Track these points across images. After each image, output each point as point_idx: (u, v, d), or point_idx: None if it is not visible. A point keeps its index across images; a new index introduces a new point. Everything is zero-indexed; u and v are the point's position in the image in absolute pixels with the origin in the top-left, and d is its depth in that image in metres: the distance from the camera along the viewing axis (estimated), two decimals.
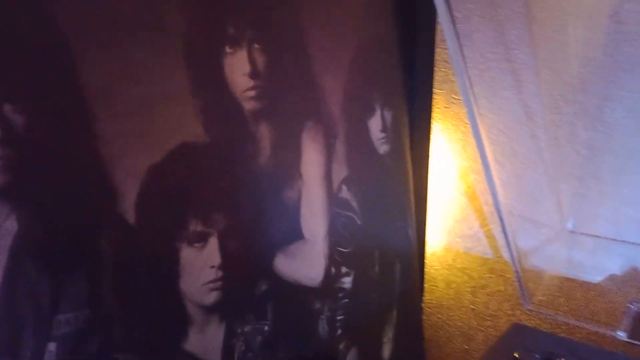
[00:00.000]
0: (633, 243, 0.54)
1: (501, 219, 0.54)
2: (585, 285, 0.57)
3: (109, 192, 0.31)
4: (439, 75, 0.62)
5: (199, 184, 0.36)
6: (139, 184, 0.32)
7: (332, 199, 0.45)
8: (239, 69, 0.37)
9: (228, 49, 0.36)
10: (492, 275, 0.64)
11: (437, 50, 0.60)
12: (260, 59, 0.38)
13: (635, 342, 0.48)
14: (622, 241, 0.55)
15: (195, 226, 0.36)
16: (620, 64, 0.50)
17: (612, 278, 0.55)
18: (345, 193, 0.46)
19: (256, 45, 0.38)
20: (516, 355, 0.47)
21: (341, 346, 0.47)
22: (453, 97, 0.62)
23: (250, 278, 0.40)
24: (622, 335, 0.49)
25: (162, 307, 0.35)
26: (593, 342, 0.57)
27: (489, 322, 0.65)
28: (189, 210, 0.36)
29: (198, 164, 0.36)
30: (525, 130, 0.57)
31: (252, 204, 0.39)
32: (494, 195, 0.53)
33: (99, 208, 0.31)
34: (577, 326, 0.58)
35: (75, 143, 0.30)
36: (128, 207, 0.32)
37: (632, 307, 0.51)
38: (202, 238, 0.36)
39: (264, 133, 0.39)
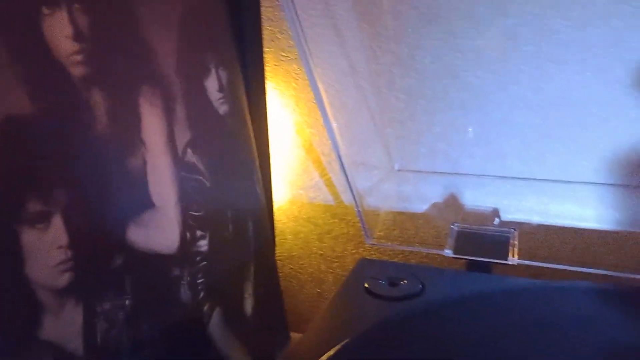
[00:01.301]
0: (448, 173, 0.62)
1: (342, 166, 0.59)
2: (414, 216, 0.65)
3: None
4: (265, 34, 0.63)
5: (32, 160, 0.33)
6: None
7: (179, 163, 0.45)
8: (60, 31, 0.34)
9: (45, 10, 0.33)
10: (335, 220, 0.69)
11: (261, 9, 0.62)
12: (83, 20, 0.36)
13: (459, 256, 0.56)
14: (440, 172, 0.62)
15: (34, 206, 0.33)
16: (424, 15, 0.56)
17: (434, 206, 0.63)
18: (191, 156, 0.46)
19: (76, 5, 0.35)
20: (366, 285, 0.51)
21: (205, 308, 0.48)
22: (281, 55, 0.64)
23: (103, 253, 0.38)
24: (448, 252, 0.56)
25: (7, 297, 0.32)
26: (426, 263, 0.65)
27: (336, 263, 0.70)
28: (24, 190, 0.32)
29: (28, 138, 0.33)
30: (350, 81, 0.62)
31: (95, 176, 0.37)
32: (334, 144, 0.56)
33: None
34: (411, 252, 0.66)
35: None
36: None
37: (454, 227, 0.59)
38: (44, 218, 0.34)
39: (98, 100, 0.37)
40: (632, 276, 0.54)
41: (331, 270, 0.71)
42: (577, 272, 0.55)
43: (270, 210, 0.64)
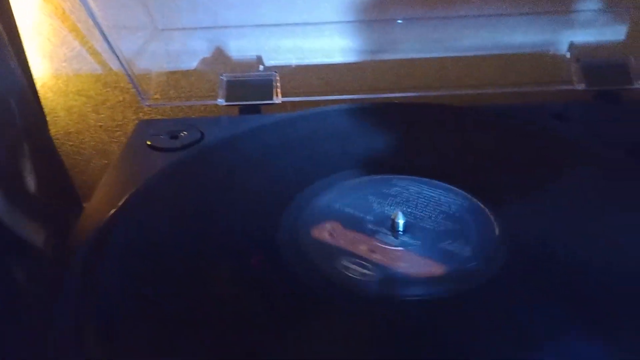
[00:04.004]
0: (210, 27, 0.65)
1: (102, 32, 0.57)
2: (186, 73, 0.67)
3: None
4: None
5: None
6: None
7: None
8: None
9: None
10: (108, 89, 0.68)
11: None
12: None
13: (232, 103, 0.61)
14: (203, 27, 0.65)
15: None
16: None
17: (203, 61, 0.66)
18: None
19: None
20: (148, 142, 0.54)
21: None
22: None
23: None
24: (221, 101, 0.61)
25: None
26: (205, 114, 0.69)
27: (119, 132, 0.71)
28: None
29: None
30: None
31: None
32: (88, 9, 0.54)
33: None
34: (189, 106, 0.69)
35: None
36: None
37: (223, 78, 0.63)
38: None
39: None
40: (373, 96, 0.66)
41: (115, 140, 0.71)
42: (332, 100, 0.65)
43: (32, 87, 0.61)
